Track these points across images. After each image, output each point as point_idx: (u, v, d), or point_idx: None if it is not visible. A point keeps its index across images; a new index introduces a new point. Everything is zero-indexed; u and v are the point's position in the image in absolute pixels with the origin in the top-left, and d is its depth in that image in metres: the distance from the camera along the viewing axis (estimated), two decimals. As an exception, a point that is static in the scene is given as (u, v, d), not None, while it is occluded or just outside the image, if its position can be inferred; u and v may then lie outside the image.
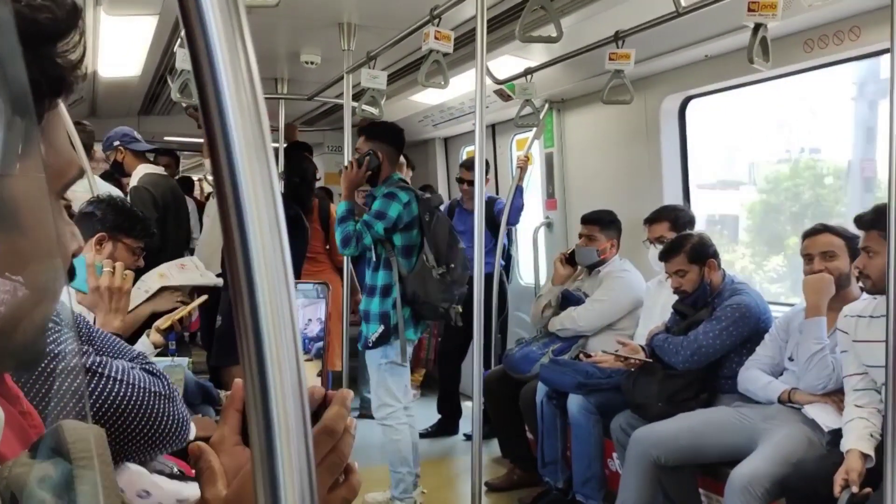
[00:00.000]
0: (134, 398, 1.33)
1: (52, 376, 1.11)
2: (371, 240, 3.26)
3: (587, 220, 3.79)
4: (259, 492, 0.40)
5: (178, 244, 4.25)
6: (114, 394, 1.32)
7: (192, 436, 2.39)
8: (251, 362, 0.39)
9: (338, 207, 3.36)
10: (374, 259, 3.38)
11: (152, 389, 1.36)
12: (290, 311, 0.39)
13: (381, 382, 3.36)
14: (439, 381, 4.97)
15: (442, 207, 5.30)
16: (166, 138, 6.60)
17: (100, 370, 1.33)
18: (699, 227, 3.65)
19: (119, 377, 1.34)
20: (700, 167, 4.07)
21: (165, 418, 1.36)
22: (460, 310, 3.36)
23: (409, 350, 3.37)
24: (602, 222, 3.74)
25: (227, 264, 0.40)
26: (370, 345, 3.35)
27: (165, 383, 1.40)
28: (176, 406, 1.39)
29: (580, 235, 3.81)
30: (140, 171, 4.17)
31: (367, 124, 3.65)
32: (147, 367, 1.43)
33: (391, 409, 3.34)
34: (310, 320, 1.83)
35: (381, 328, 3.30)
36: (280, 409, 0.39)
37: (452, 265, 3.30)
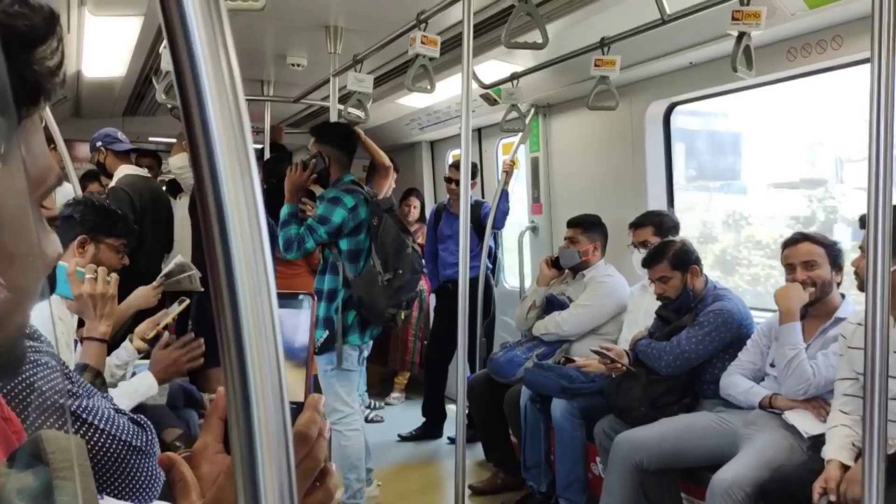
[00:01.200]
0: (112, 450, 1.33)
1: (32, 386, 1.10)
2: (314, 244, 3.17)
3: (570, 222, 3.82)
4: (240, 499, 0.39)
5: (154, 246, 4.22)
6: (93, 442, 1.31)
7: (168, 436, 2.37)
8: (233, 370, 0.38)
9: (281, 211, 3.26)
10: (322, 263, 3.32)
11: (133, 444, 1.36)
12: (271, 318, 0.39)
13: (330, 388, 3.23)
14: (425, 384, 4.95)
15: (428, 211, 5.32)
16: (151, 139, 6.55)
17: (84, 416, 1.32)
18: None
19: (103, 426, 1.34)
20: (776, 163, 3.80)
21: (138, 475, 1.37)
22: (403, 316, 3.29)
23: (354, 355, 3.25)
24: (584, 225, 3.76)
25: (209, 270, 0.39)
26: (316, 350, 3.28)
27: (148, 437, 1.40)
28: (151, 463, 1.39)
29: (565, 238, 3.83)
30: (121, 172, 4.15)
31: (317, 125, 3.57)
32: (133, 416, 1.43)
33: (342, 415, 3.22)
34: (295, 329, 1.84)
35: (325, 333, 3.20)
36: (261, 417, 0.39)
37: (400, 270, 3.20)
